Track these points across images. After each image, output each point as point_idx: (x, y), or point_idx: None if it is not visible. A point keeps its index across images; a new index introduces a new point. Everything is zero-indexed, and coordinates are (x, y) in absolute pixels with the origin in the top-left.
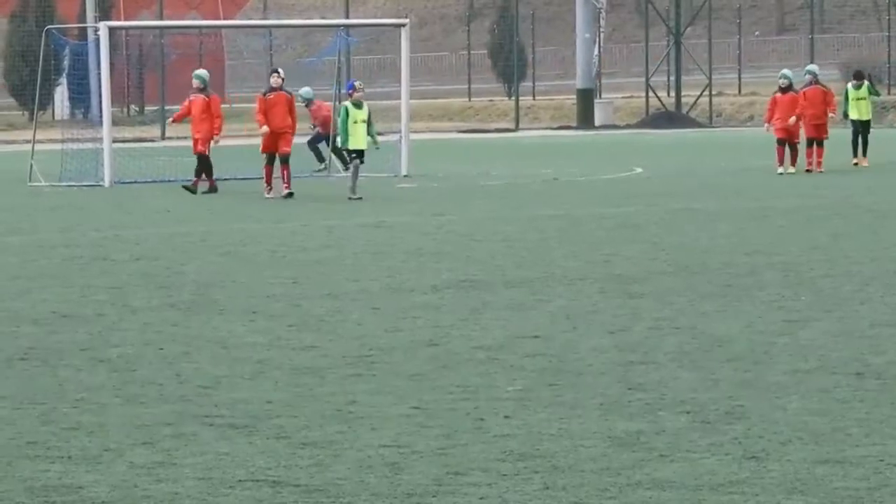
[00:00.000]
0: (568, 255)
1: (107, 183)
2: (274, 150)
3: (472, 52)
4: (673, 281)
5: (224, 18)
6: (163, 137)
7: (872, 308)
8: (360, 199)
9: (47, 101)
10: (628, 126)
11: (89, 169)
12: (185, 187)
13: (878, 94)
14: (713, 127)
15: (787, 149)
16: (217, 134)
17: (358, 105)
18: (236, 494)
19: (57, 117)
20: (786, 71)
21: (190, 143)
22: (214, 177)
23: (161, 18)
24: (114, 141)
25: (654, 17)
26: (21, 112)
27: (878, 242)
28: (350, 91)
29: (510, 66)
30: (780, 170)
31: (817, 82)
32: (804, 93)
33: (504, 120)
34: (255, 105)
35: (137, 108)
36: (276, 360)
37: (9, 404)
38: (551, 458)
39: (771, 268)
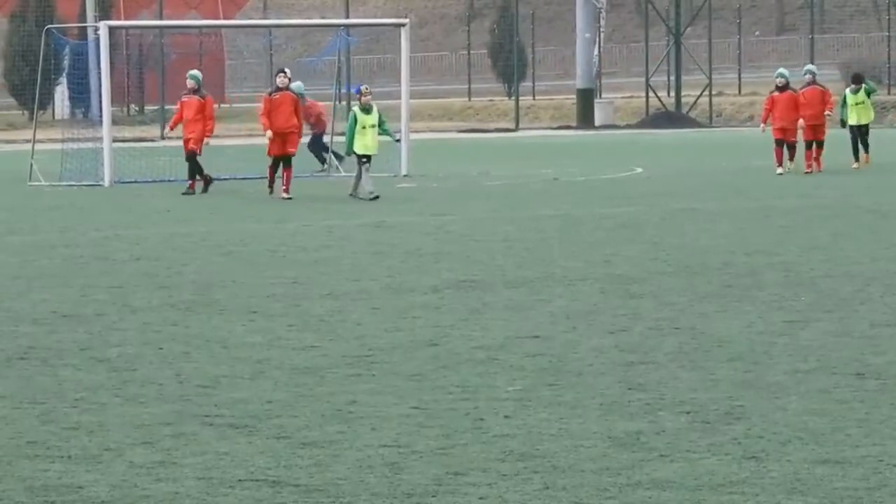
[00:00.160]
0: (568, 255)
1: (107, 183)
2: (281, 154)
3: (472, 52)
4: (673, 281)
5: (224, 18)
6: (163, 137)
7: (872, 308)
8: (378, 196)
9: (47, 100)
10: (628, 126)
11: (89, 169)
12: (185, 193)
13: (874, 90)
14: (713, 127)
15: (784, 148)
16: (208, 135)
17: (366, 110)
18: (236, 494)
19: (57, 117)
20: (782, 70)
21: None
22: (214, 176)
23: (161, 18)
24: (114, 140)
25: (654, 17)
26: (21, 112)
27: (878, 242)
28: (357, 95)
29: (510, 66)
30: (780, 170)
31: (815, 82)
32: (803, 93)
33: (504, 120)
34: (261, 106)
35: (137, 108)
36: (276, 359)
37: (8, 404)
38: (551, 458)
39: (771, 268)
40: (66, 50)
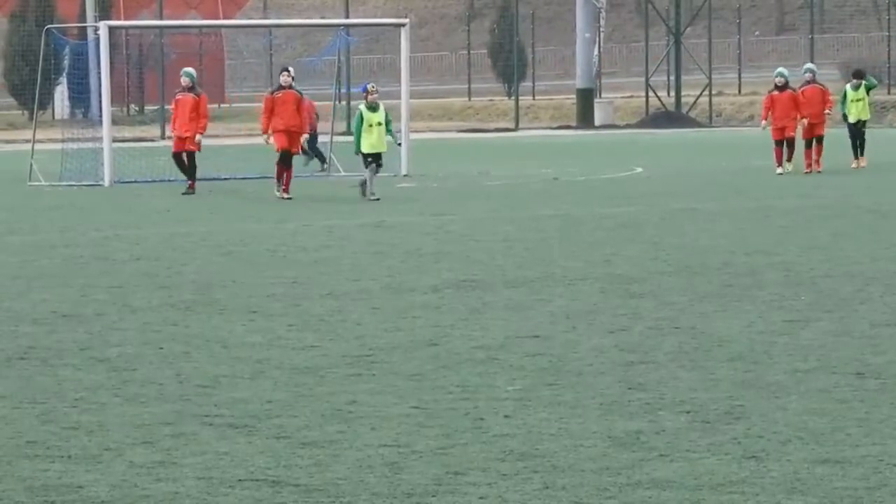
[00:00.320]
0: (568, 255)
1: (107, 183)
2: (289, 147)
3: (472, 51)
4: (673, 281)
5: (224, 18)
6: (163, 137)
7: (872, 308)
8: (378, 199)
9: (47, 100)
10: (628, 126)
11: (89, 169)
12: (185, 193)
13: (875, 85)
14: (713, 127)
15: (784, 147)
16: (201, 132)
17: (373, 108)
18: (236, 494)
19: (57, 117)
20: (782, 69)
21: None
22: (213, 176)
23: (161, 18)
24: (114, 140)
25: (654, 16)
26: (21, 112)
27: (878, 242)
28: (364, 93)
29: (510, 66)
30: (780, 170)
31: (815, 81)
32: (802, 92)
33: (504, 120)
34: (262, 105)
35: (137, 108)
36: (276, 359)
37: (8, 404)
38: (551, 458)
39: (771, 268)
40: (66, 50)
